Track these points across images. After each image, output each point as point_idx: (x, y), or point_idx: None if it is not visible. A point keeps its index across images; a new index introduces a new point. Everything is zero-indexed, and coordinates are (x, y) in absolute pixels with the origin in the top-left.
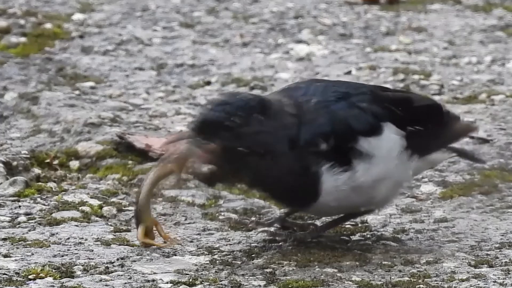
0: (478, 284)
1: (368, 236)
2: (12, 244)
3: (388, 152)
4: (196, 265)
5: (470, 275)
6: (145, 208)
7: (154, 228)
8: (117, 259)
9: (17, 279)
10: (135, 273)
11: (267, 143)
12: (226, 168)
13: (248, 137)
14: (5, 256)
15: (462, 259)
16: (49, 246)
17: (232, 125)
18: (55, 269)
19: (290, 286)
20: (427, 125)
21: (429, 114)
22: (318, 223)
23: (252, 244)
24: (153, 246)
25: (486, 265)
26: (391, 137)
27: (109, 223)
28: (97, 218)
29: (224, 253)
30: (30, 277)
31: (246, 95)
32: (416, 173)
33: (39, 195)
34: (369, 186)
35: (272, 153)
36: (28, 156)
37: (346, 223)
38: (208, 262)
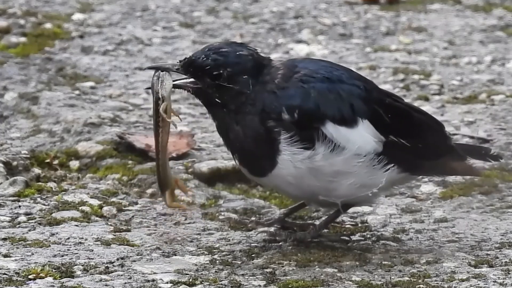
0: (478, 284)
1: (368, 236)
2: (12, 244)
3: (354, 147)
4: (196, 265)
5: (470, 275)
6: (167, 173)
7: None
8: (117, 259)
9: (17, 279)
10: (135, 273)
11: (241, 107)
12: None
13: (227, 93)
14: (5, 256)
15: (462, 259)
16: (49, 246)
17: (217, 76)
18: (55, 269)
19: (290, 286)
20: (416, 144)
21: (423, 135)
22: (317, 223)
23: (252, 244)
24: (180, 209)
25: (486, 265)
26: (364, 135)
27: (109, 223)
28: (97, 218)
29: (224, 253)
30: (30, 277)
31: (247, 53)
32: (398, 184)
33: (39, 195)
34: (329, 174)
35: (243, 112)
36: (28, 156)
37: (346, 221)
38: (208, 262)
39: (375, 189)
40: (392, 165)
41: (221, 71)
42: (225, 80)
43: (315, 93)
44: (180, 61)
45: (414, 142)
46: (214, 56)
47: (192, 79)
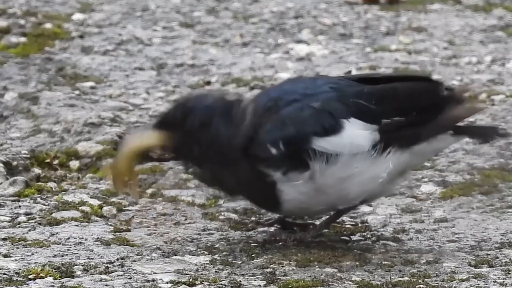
0: (478, 284)
1: (368, 236)
2: (12, 244)
3: (351, 149)
4: (196, 265)
5: (470, 275)
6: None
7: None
8: (117, 259)
9: (17, 279)
10: (135, 273)
11: (220, 150)
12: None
13: (204, 139)
14: (5, 256)
15: (462, 259)
16: (49, 246)
17: (190, 124)
18: (55, 269)
19: (290, 286)
20: (411, 113)
21: (415, 101)
22: (317, 223)
23: (252, 244)
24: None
25: (486, 265)
26: (355, 134)
27: (109, 223)
28: (97, 218)
29: (224, 253)
30: (30, 277)
31: (214, 97)
32: (409, 164)
33: (39, 195)
34: (335, 184)
35: (225, 161)
36: (28, 156)
37: (346, 221)
38: (208, 262)
39: (383, 174)
40: (392, 146)
41: (193, 118)
42: (199, 125)
43: (289, 118)
44: (152, 124)
45: (408, 113)
46: (182, 107)
47: (163, 135)
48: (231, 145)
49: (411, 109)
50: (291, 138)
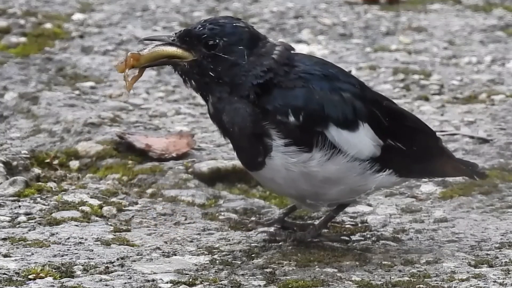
0: (478, 284)
1: (368, 236)
2: (12, 244)
3: (356, 152)
4: (196, 265)
5: (470, 275)
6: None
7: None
8: (117, 259)
9: (17, 279)
10: (135, 273)
11: (235, 78)
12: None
13: (222, 64)
14: (5, 256)
15: (462, 259)
16: (49, 246)
17: (214, 45)
18: (55, 269)
19: (290, 286)
20: (411, 147)
21: (418, 138)
22: (317, 222)
23: (252, 244)
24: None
25: (486, 265)
26: (364, 139)
27: (109, 223)
28: (97, 218)
29: (224, 253)
30: (30, 277)
31: (243, 25)
32: (387, 187)
33: (39, 195)
34: (321, 180)
35: (235, 93)
36: (28, 156)
37: (346, 221)
38: (208, 262)
39: (363, 194)
40: (384, 170)
41: (218, 41)
42: (221, 50)
43: (318, 94)
44: (176, 33)
45: (409, 145)
46: (211, 26)
47: (186, 53)
48: (247, 76)
49: (413, 143)
50: (314, 113)
